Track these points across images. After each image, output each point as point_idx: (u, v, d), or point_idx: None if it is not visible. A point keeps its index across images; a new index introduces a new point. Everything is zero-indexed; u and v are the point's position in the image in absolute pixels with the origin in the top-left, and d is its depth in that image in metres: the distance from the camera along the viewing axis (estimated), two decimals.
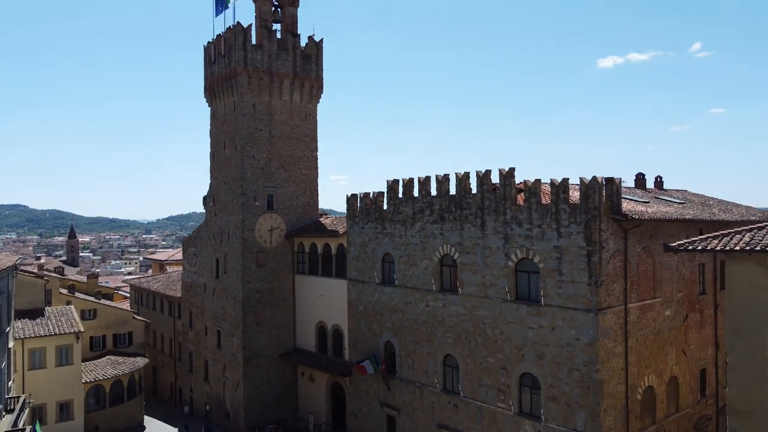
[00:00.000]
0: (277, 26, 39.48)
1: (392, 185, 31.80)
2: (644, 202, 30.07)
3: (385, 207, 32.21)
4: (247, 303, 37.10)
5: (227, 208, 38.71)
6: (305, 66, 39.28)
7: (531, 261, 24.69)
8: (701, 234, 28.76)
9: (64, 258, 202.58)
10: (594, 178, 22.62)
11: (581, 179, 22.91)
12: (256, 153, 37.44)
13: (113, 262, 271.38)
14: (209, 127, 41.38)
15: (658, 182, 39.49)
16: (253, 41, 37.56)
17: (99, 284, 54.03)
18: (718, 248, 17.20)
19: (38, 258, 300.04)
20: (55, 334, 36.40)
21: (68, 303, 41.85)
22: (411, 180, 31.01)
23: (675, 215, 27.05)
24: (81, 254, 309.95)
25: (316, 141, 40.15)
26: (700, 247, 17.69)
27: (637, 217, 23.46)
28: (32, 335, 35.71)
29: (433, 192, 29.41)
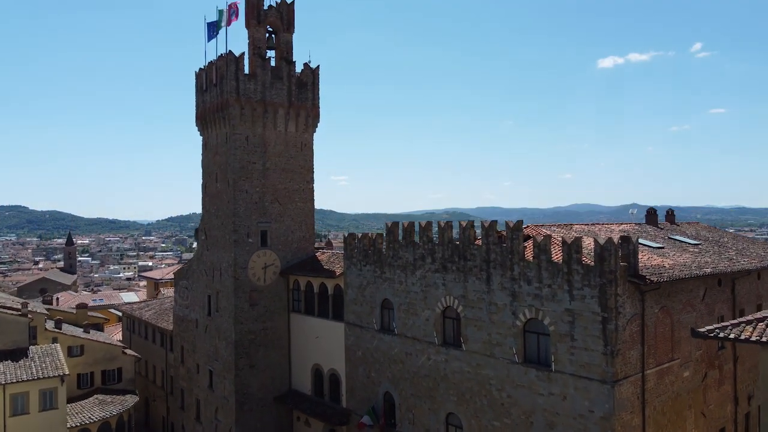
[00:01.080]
0: (271, 53, 37.81)
1: (391, 228, 30.12)
2: (659, 247, 28.40)
3: (383, 250, 30.53)
4: (239, 345, 35.39)
5: (219, 244, 37.01)
6: (301, 95, 37.56)
7: (540, 322, 22.99)
8: (720, 285, 27.18)
9: (62, 264, 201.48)
10: (610, 239, 20.92)
11: (595, 240, 21.21)
12: (249, 187, 35.73)
13: (111, 267, 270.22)
14: (201, 157, 39.70)
15: (670, 216, 37.80)
16: (246, 70, 35.87)
17: (89, 314, 52.24)
18: (753, 338, 15.65)
19: (36, 263, 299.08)
20: (39, 378, 34.66)
21: (54, 340, 40.15)
22: (411, 224, 29.35)
23: (693, 266, 25.38)
24: (80, 259, 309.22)
25: (312, 172, 38.46)
26: (732, 335, 16.09)
27: (656, 279, 21.76)
28: (14, 380, 33.99)
29: (435, 237, 27.77)
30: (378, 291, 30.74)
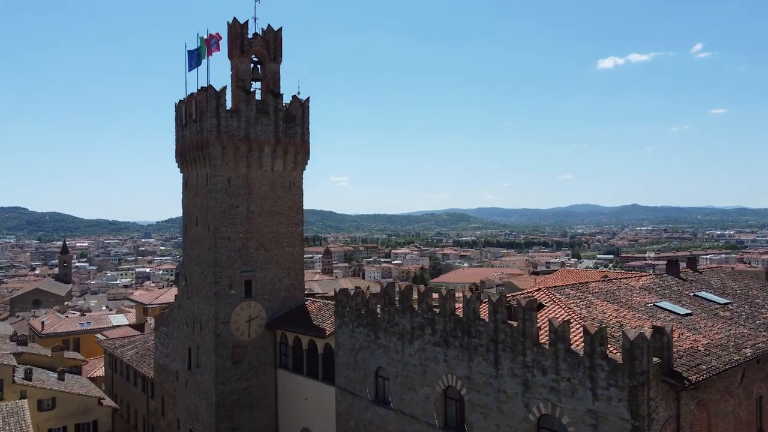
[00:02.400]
0: (257, 85, 34.71)
1: (387, 289, 27.02)
2: (687, 314, 25.30)
3: (378, 313, 27.41)
4: (221, 407, 32.27)
5: (200, 293, 33.89)
6: (289, 130, 34.43)
7: (558, 420, 19.86)
8: (758, 363, 24.03)
9: (58, 270, 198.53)
10: (641, 335, 17.76)
11: (624, 334, 18.05)
12: (231, 234, 32.60)
13: (108, 274, 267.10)
14: (181, 196, 36.61)
15: (692, 262, 34.71)
16: (229, 104, 32.76)
17: (66, 356, 49.02)
18: None
19: (33, 269, 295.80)
20: None
21: (23, 394, 37.03)
22: (410, 287, 26.24)
23: (731, 346, 22.28)
24: (77, 264, 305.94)
25: (302, 213, 35.36)
26: None
27: (694, 378, 18.64)
28: None
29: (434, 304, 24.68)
30: (372, 357, 27.62)
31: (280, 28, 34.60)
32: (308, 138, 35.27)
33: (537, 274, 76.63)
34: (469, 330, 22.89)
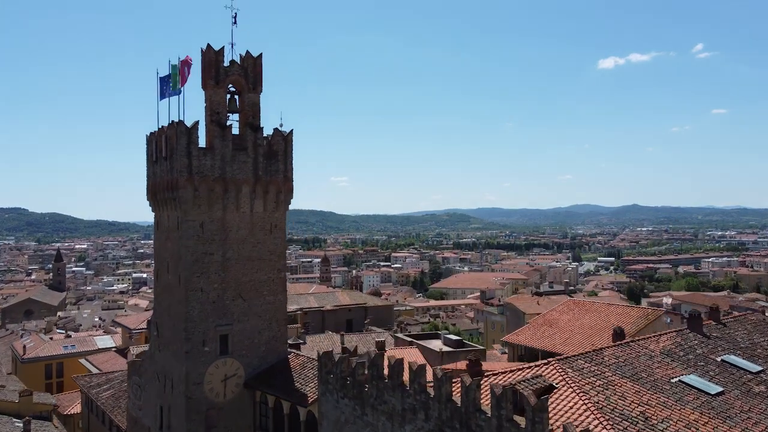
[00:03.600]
0: (234, 117, 31.51)
1: (375, 360, 23.81)
2: (718, 393, 22.12)
3: (366, 386, 24.20)
4: None
5: (171, 348, 30.71)
6: (270, 167, 31.22)
7: None
8: None
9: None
10: None
11: None
12: (204, 284, 29.40)
13: (105, 279, 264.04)
14: (153, 237, 33.44)
15: (714, 312, 31.53)
16: (202, 141, 29.57)
17: (36, 401, 45.69)
18: None
19: (29, 274, 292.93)
20: None
21: None
22: (400, 362, 23.03)
23: None
24: (73, 269, 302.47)
25: (284, 258, 32.20)
26: None
27: None
28: None
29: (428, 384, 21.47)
30: None
31: (260, 55, 31.42)
32: (291, 175, 32.09)
33: (540, 295, 73.75)
34: (468, 422, 19.69)
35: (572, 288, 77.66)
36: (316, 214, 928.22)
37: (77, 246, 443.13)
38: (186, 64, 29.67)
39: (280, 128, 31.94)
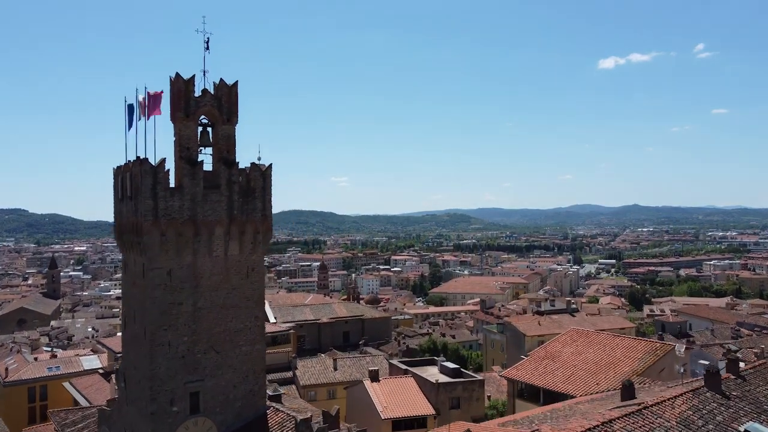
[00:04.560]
0: (208, 151, 28.87)
1: None
2: None
3: None
4: None
5: (137, 405, 28.06)
6: (246, 205, 28.55)
7: None
8: None
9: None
10: None
11: None
12: (173, 338, 26.74)
13: (102, 284, 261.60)
14: (121, 279, 30.80)
15: (732, 364, 28.87)
16: (171, 180, 26.91)
17: None
18: None
19: (26, 278, 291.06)
20: None
21: None
22: None
23: None
24: (71, 273, 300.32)
25: (263, 304, 29.56)
26: None
27: None
28: None
29: None
30: None
31: (235, 83, 28.74)
32: (270, 212, 29.44)
33: (541, 314, 71.14)
34: None
35: (574, 305, 74.93)
36: (317, 215, 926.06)
37: (76, 248, 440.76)
38: (151, 97, 27.02)
39: (258, 162, 29.31)
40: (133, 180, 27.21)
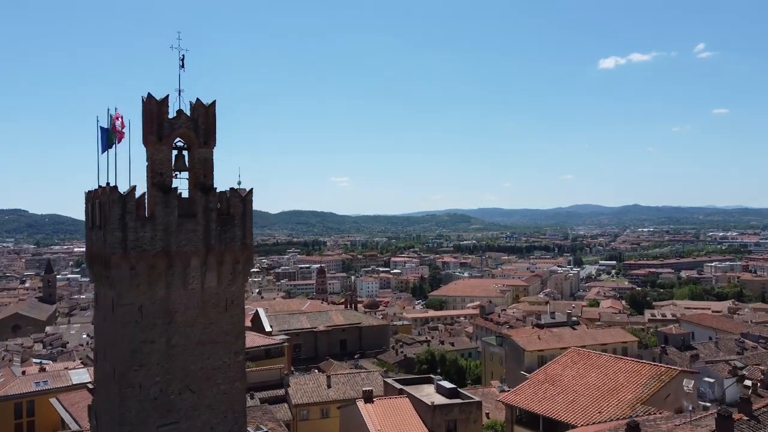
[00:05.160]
0: (184, 175, 27.00)
1: None
2: None
3: None
4: None
5: None
6: (225, 233, 26.67)
7: None
8: None
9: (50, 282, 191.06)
10: None
11: None
12: (144, 379, 24.87)
13: None
14: (93, 312, 28.89)
15: (745, 405, 27.00)
16: (146, 207, 25.05)
17: None
18: None
19: (23, 281, 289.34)
20: None
21: None
22: None
23: None
24: (68, 276, 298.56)
25: (243, 338, 27.63)
26: None
27: None
28: None
29: None
30: None
31: (213, 103, 26.87)
32: (251, 241, 27.58)
33: (541, 327, 69.35)
34: None
35: (575, 318, 73.05)
36: (317, 215, 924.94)
37: (76, 249, 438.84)
38: (119, 119, 25.20)
39: (238, 186, 27.45)
40: (102, 208, 25.34)
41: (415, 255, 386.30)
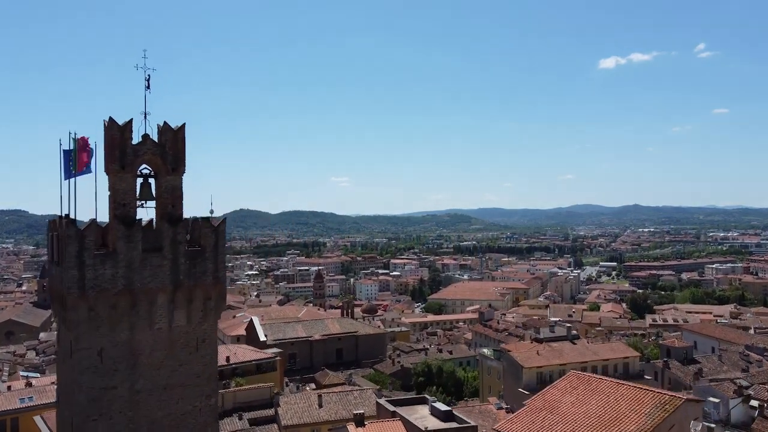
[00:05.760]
0: (151, 205, 25.00)
1: None
2: None
3: None
4: None
5: None
6: (195, 268, 24.64)
7: None
8: None
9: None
10: None
11: None
12: (105, 429, 22.86)
13: None
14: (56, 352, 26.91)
15: None
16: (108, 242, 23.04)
17: None
18: None
19: (20, 284, 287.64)
20: None
21: None
22: None
23: None
24: None
25: (216, 380, 25.67)
26: None
27: None
28: None
29: None
30: None
31: (182, 126, 24.84)
32: (224, 275, 25.57)
33: (540, 342, 67.30)
34: None
35: (575, 333, 71.06)
36: (317, 215, 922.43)
37: None
38: (82, 144, 23.20)
39: (210, 216, 25.45)
40: (60, 242, 23.34)
41: (415, 257, 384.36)
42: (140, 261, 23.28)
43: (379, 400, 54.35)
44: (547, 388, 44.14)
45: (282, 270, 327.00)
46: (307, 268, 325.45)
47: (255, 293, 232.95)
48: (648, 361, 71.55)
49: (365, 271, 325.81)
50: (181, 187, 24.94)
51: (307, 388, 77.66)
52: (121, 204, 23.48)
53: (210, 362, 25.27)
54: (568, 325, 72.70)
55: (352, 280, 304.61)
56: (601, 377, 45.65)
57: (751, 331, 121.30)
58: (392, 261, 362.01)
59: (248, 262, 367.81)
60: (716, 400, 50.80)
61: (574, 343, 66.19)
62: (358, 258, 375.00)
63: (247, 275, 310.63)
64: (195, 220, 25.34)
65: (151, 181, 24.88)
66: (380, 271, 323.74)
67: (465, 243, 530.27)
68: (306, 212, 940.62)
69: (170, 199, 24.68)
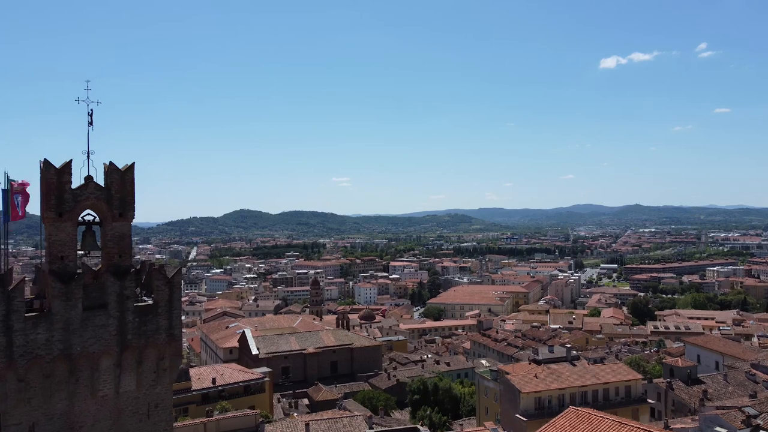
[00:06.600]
0: (96, 254, 22.25)
1: None
2: None
3: None
4: None
5: None
6: (145, 326, 21.87)
7: None
8: None
9: None
10: None
11: None
12: None
13: None
14: None
15: None
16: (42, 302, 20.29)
17: None
18: None
19: None
20: None
21: None
22: None
23: None
24: None
25: None
26: None
27: None
28: None
29: None
30: None
31: (131, 166, 22.09)
32: (179, 332, 22.78)
33: (538, 363, 64.68)
34: None
35: (576, 353, 68.27)
36: (317, 216, 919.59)
37: None
38: (17, 189, 20.48)
39: (164, 263, 22.66)
40: None
41: (415, 259, 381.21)
42: (80, 321, 20.52)
43: (368, 431, 51.77)
44: (545, 427, 41.49)
45: (280, 273, 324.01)
46: (305, 271, 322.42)
47: (253, 297, 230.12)
48: (650, 380, 68.78)
49: (364, 274, 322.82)
50: (130, 234, 22.17)
51: (300, 405, 74.99)
52: (59, 257, 20.71)
53: (165, 429, 22.50)
54: (568, 345, 69.78)
55: (351, 283, 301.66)
56: (602, 415, 42.86)
57: (755, 339, 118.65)
58: (392, 264, 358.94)
59: (247, 265, 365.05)
60: (723, 430, 48.26)
61: (574, 365, 63.50)
62: (358, 260, 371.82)
63: (246, 279, 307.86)
64: (150, 266, 22.63)
65: (95, 228, 22.09)
66: (379, 274, 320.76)
67: (465, 244, 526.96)
68: (306, 212, 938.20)
69: (117, 248, 21.89)
